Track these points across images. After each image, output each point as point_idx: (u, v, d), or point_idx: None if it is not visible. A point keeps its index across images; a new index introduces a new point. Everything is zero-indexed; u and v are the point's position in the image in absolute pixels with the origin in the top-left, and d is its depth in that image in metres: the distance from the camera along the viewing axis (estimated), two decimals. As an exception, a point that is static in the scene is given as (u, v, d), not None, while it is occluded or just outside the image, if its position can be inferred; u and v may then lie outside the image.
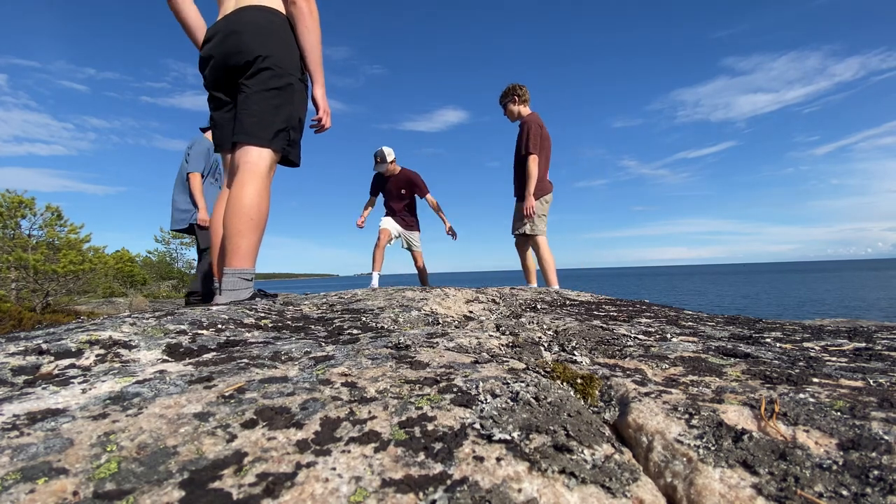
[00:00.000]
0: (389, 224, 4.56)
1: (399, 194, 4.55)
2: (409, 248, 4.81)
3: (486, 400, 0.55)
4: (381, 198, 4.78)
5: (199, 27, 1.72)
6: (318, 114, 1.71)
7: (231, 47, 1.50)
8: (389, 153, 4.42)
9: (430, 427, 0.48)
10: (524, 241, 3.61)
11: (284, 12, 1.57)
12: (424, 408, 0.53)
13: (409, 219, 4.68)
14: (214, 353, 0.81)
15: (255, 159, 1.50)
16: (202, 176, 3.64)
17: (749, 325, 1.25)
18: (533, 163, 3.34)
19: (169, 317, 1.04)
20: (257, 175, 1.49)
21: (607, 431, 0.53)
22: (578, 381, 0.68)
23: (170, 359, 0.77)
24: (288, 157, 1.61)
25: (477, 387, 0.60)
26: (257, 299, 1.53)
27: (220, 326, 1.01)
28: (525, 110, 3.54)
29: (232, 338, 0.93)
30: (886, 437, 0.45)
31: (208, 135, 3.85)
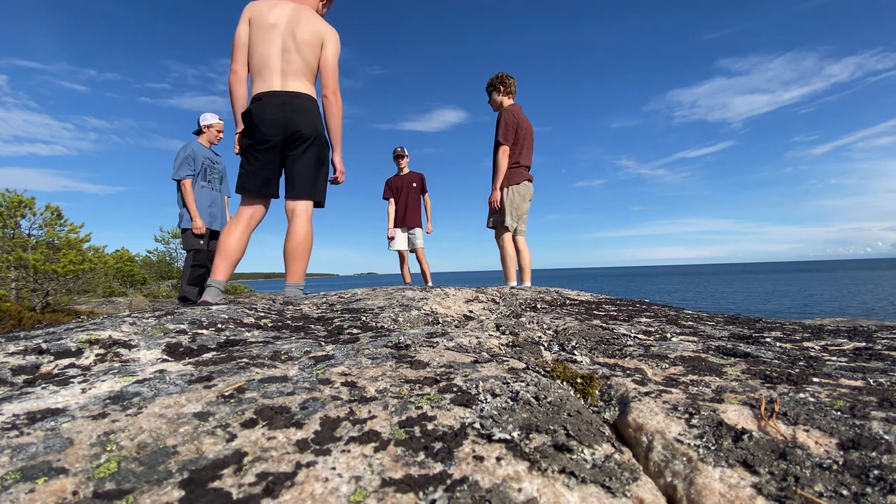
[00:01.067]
0: (400, 243, 5.05)
1: (411, 188, 5.02)
2: (413, 248, 5.02)
3: (486, 399, 0.55)
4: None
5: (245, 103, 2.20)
6: (335, 173, 2.37)
7: (293, 125, 2.10)
8: (406, 149, 5.16)
9: (430, 426, 0.48)
10: (500, 235, 3.53)
11: (314, 96, 2.22)
12: (424, 407, 0.53)
13: (414, 214, 5.01)
14: (214, 353, 0.81)
15: (307, 206, 2.23)
16: (192, 180, 3.70)
17: (749, 325, 1.25)
18: (503, 154, 3.24)
19: (169, 316, 1.04)
20: (309, 217, 2.24)
21: (607, 431, 0.53)
22: (578, 380, 0.68)
23: (170, 358, 0.77)
24: (320, 203, 2.34)
25: (477, 386, 0.60)
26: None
27: (219, 326, 1.01)
28: (508, 101, 3.45)
29: (232, 337, 0.93)
30: (886, 437, 0.45)
31: (202, 138, 3.90)
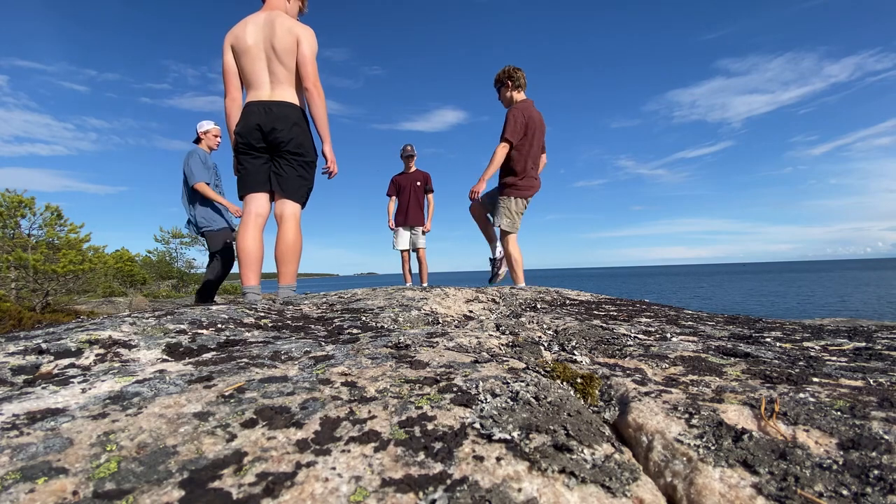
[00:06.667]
0: (403, 241, 5.08)
1: (415, 186, 5.05)
2: (414, 247, 5.04)
3: (485, 399, 0.55)
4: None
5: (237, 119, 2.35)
6: (327, 164, 2.42)
7: (278, 133, 2.21)
8: (413, 148, 5.18)
9: (429, 426, 0.48)
10: (505, 238, 3.52)
11: (300, 105, 2.31)
12: (424, 407, 0.53)
13: (416, 213, 5.05)
14: (214, 353, 0.81)
15: (294, 210, 2.32)
16: (207, 184, 3.83)
17: (749, 325, 1.25)
18: (501, 150, 3.16)
19: (169, 316, 1.04)
20: (297, 220, 2.33)
21: (607, 431, 0.53)
22: (578, 380, 0.68)
23: (170, 358, 0.77)
24: (304, 204, 2.44)
25: (477, 386, 0.60)
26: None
27: (219, 326, 1.01)
28: (519, 96, 3.32)
29: (232, 337, 0.93)
30: (886, 437, 0.45)
31: (202, 145, 4.01)
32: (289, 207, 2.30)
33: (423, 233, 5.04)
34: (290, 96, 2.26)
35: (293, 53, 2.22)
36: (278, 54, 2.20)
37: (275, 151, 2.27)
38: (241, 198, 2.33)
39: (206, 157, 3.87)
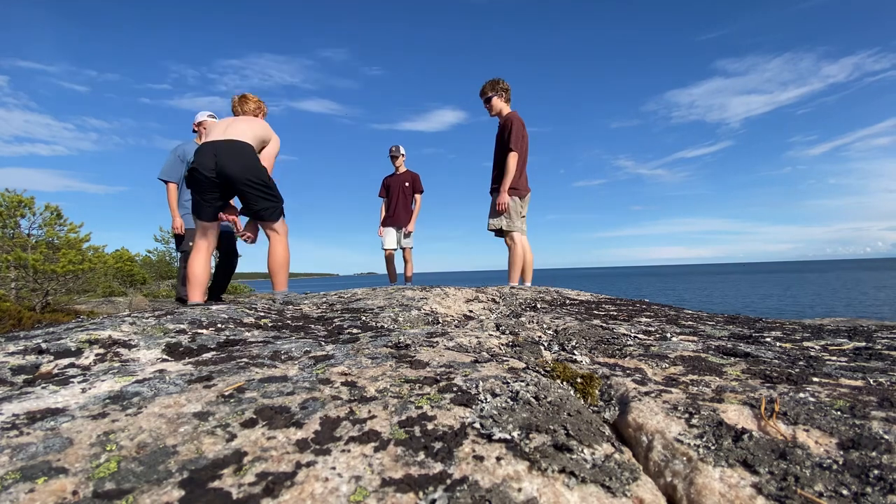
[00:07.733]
0: (391, 241, 5.10)
1: (403, 187, 5.08)
2: (402, 246, 5.10)
3: (485, 399, 0.55)
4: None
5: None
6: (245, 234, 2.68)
7: (234, 171, 2.36)
8: (402, 148, 5.21)
9: (429, 426, 0.48)
10: (511, 238, 3.64)
11: (252, 144, 2.49)
12: (424, 407, 0.53)
13: (404, 214, 5.09)
14: (214, 353, 0.81)
15: (281, 228, 2.59)
16: (178, 184, 3.73)
17: (749, 325, 1.24)
18: (512, 159, 3.39)
19: (168, 316, 1.04)
20: (285, 235, 2.63)
21: (607, 431, 0.53)
22: (578, 380, 0.68)
23: (169, 358, 0.77)
24: (283, 213, 2.68)
25: (477, 386, 0.60)
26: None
27: (219, 326, 1.01)
28: (507, 108, 3.59)
29: (232, 337, 0.93)
30: (886, 437, 0.45)
31: (199, 137, 3.94)
32: (276, 227, 2.60)
33: (407, 234, 5.04)
34: (243, 137, 2.45)
35: (257, 120, 2.53)
36: (238, 119, 2.48)
37: (232, 187, 2.43)
38: (195, 217, 2.53)
39: (192, 151, 3.83)
